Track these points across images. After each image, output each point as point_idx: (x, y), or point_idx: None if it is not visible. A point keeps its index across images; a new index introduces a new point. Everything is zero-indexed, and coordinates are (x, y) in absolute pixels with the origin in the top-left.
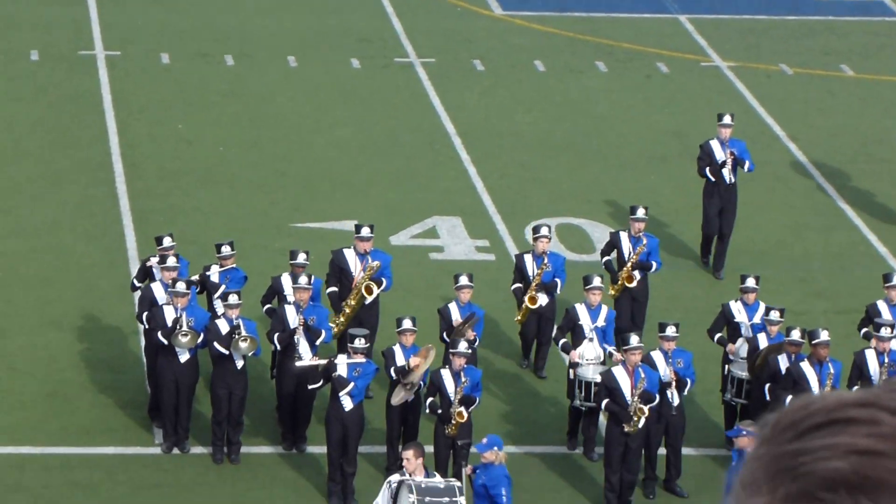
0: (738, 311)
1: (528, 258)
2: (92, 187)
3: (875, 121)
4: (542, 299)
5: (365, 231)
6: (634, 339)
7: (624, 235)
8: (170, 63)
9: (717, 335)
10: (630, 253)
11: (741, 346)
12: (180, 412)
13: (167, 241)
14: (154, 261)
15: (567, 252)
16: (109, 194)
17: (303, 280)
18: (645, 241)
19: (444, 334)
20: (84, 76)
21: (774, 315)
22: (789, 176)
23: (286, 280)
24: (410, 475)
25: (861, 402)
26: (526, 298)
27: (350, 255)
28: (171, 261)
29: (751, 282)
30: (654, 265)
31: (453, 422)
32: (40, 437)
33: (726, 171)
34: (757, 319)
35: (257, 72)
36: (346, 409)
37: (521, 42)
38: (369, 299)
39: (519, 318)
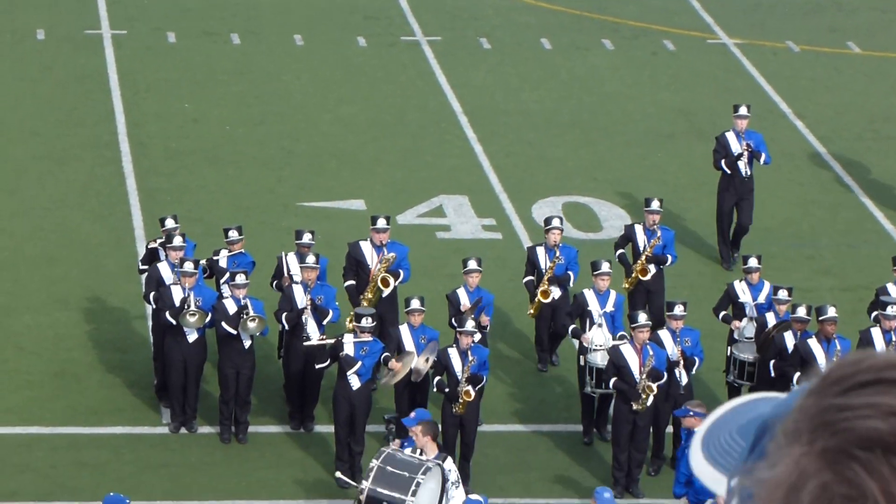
0: (743, 292)
1: (540, 250)
2: (98, 166)
3: (882, 98)
4: (556, 293)
5: (381, 222)
6: (642, 317)
7: (639, 228)
8: (176, 42)
9: (723, 313)
10: (645, 245)
11: (747, 326)
12: (188, 392)
13: (170, 223)
14: (158, 242)
15: (574, 230)
16: (116, 173)
17: (310, 259)
18: (660, 234)
19: (453, 320)
20: (90, 55)
21: (783, 294)
22: (796, 153)
23: (292, 259)
24: (421, 451)
25: None
26: (539, 292)
27: (366, 246)
28: (178, 240)
29: (753, 262)
30: (670, 258)
31: (461, 400)
32: (47, 417)
33: (742, 164)
34: (761, 299)
35: (263, 50)
36: (354, 388)
37: (528, 20)
38: (386, 292)
39: (531, 311)
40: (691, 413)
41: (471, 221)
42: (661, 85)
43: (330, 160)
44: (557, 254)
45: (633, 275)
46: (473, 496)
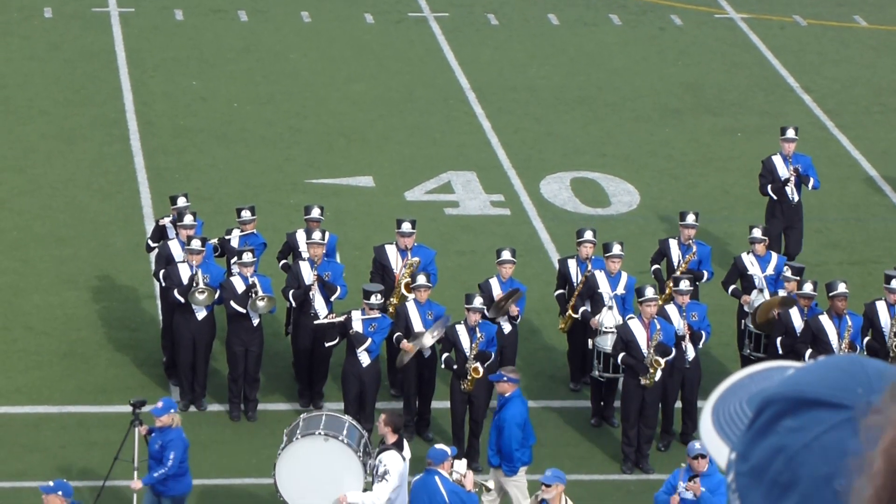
0: (751, 264)
1: (571, 263)
2: (106, 145)
3: (889, 71)
4: (588, 307)
5: (406, 226)
6: (650, 291)
7: (673, 243)
8: (183, 19)
9: (732, 287)
10: (679, 261)
11: (756, 299)
12: (197, 370)
13: (181, 201)
14: (167, 220)
15: (582, 206)
16: (124, 152)
17: (317, 235)
18: (695, 249)
19: (485, 310)
20: (98, 33)
21: (789, 272)
22: (804, 127)
23: (301, 236)
24: (381, 440)
25: None
26: (570, 307)
27: (391, 251)
28: (189, 218)
29: (757, 232)
30: (706, 274)
31: (469, 377)
32: (57, 396)
33: (790, 189)
34: (770, 271)
35: (271, 28)
36: (364, 365)
37: None
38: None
39: (562, 326)
40: (505, 378)
41: (479, 197)
42: (669, 60)
43: (338, 137)
44: (590, 267)
45: (668, 291)
46: (439, 446)
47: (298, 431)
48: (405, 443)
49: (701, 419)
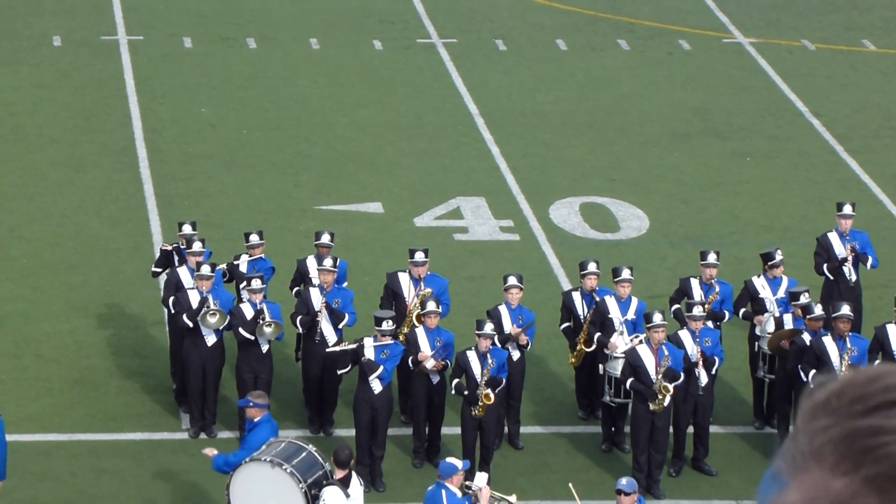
0: (763, 287)
1: (576, 296)
2: (116, 172)
3: None
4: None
5: (419, 256)
6: (658, 317)
7: (695, 282)
8: (192, 47)
9: (742, 310)
10: (703, 301)
11: (768, 321)
12: (207, 396)
13: (187, 229)
14: (170, 246)
15: (591, 231)
16: (133, 179)
17: (327, 262)
18: (718, 289)
19: (496, 339)
20: (107, 61)
21: (804, 298)
22: (813, 151)
23: (312, 262)
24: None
25: None
26: (580, 341)
27: (404, 279)
28: (197, 245)
29: (779, 255)
30: (727, 315)
31: (480, 403)
32: (67, 424)
33: (847, 269)
34: (781, 294)
35: (279, 54)
36: (376, 392)
37: (543, 21)
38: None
39: (573, 360)
40: (251, 404)
41: (488, 223)
42: (677, 84)
43: (347, 163)
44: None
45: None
46: (450, 459)
47: (255, 454)
48: (354, 479)
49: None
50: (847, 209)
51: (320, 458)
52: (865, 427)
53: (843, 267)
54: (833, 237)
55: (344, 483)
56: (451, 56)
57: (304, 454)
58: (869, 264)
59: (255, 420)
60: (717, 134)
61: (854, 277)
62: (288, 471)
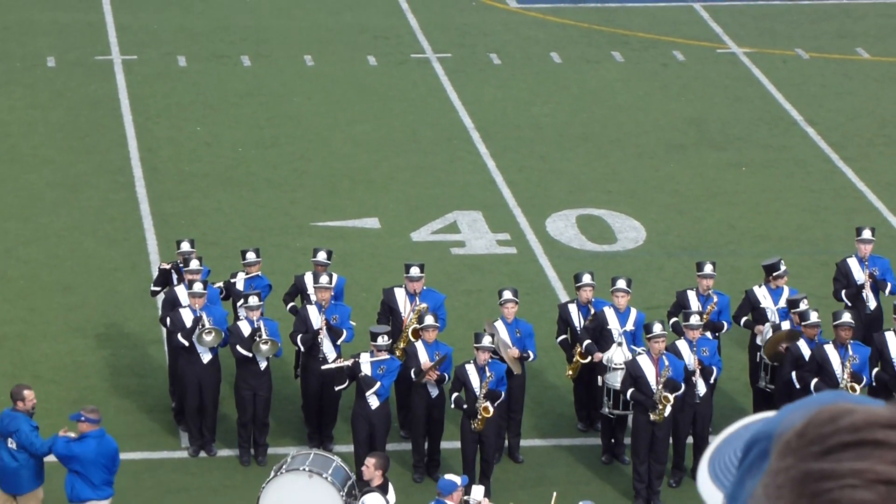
0: (764, 297)
1: (572, 308)
2: (112, 192)
3: (892, 103)
4: (596, 352)
5: (414, 271)
6: (658, 327)
7: (692, 294)
8: (186, 66)
9: (744, 319)
10: (700, 312)
11: (768, 331)
12: (206, 414)
13: (185, 246)
14: (167, 265)
15: (588, 243)
16: (129, 198)
17: (324, 280)
18: (715, 300)
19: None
20: (101, 81)
21: (802, 305)
22: (808, 160)
23: (309, 279)
24: (367, 482)
25: (891, 422)
26: (576, 353)
27: (400, 294)
28: (195, 263)
29: (783, 266)
30: (725, 325)
31: (479, 416)
32: None
33: (866, 295)
34: (782, 303)
35: (274, 71)
36: (373, 408)
37: (537, 34)
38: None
39: (570, 373)
40: (83, 418)
41: (485, 237)
42: (672, 95)
43: (343, 179)
44: (592, 311)
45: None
46: (448, 476)
47: (284, 466)
48: (390, 486)
49: (698, 471)
50: (866, 234)
51: (346, 468)
52: (817, 471)
53: (862, 293)
54: (853, 262)
55: (382, 489)
56: (445, 70)
57: (334, 464)
58: (888, 290)
59: (83, 433)
60: (712, 144)
61: (873, 304)
62: (329, 480)
